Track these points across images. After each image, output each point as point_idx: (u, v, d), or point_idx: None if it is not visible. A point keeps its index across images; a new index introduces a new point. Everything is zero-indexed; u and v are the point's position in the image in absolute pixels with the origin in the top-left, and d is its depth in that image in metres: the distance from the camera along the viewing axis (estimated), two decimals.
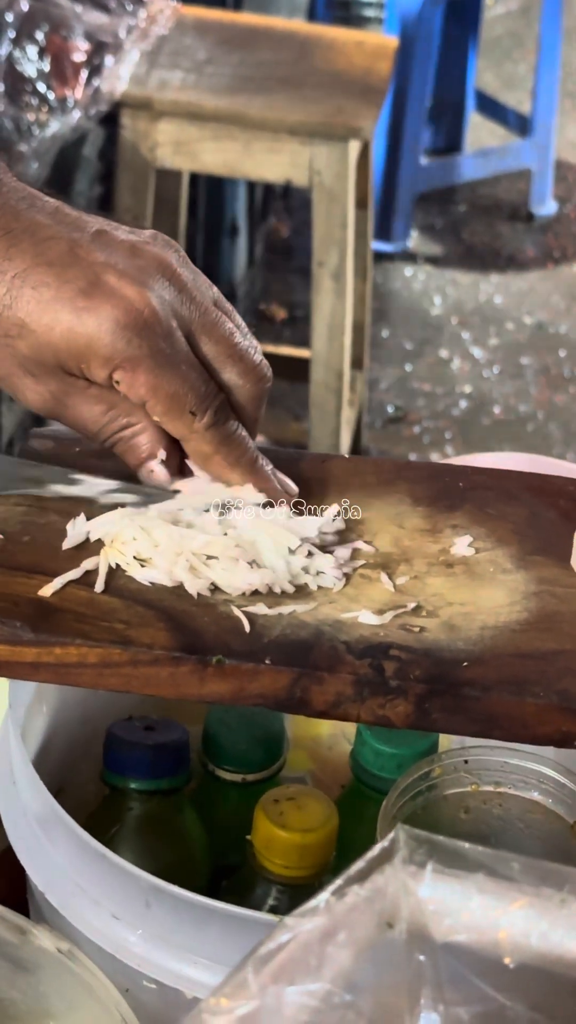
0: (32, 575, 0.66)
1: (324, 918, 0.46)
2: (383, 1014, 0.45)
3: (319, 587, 0.67)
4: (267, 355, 0.73)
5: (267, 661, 0.63)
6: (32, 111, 2.25)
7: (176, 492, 0.70)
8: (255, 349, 0.70)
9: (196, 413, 0.68)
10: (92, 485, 0.70)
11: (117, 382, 0.68)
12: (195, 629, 0.64)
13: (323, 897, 0.46)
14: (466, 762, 0.71)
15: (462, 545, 0.70)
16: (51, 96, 2.27)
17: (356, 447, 2.65)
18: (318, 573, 0.68)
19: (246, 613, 0.65)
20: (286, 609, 0.66)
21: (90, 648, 0.63)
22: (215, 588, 0.67)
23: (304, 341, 2.48)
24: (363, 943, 0.46)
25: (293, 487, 0.71)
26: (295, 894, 0.69)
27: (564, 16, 3.46)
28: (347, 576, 0.68)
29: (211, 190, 2.74)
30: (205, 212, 2.77)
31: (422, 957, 0.47)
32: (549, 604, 0.67)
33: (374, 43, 2.47)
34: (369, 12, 3.44)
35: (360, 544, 0.70)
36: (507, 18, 4.35)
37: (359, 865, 0.48)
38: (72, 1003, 0.62)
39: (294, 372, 2.45)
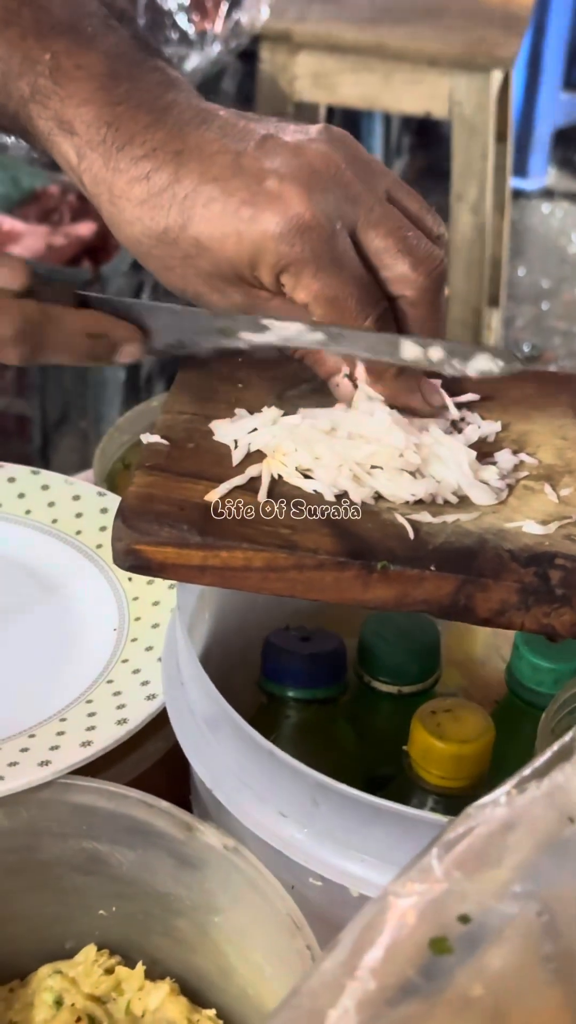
0: (198, 480, 0.66)
1: (505, 810, 0.46)
2: (563, 907, 0.45)
3: (482, 497, 0.67)
4: None
5: (432, 567, 0.62)
6: (172, 45, 2.25)
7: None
8: (424, 240, 0.70)
9: (356, 318, 0.68)
10: (280, 328, 0.69)
11: (283, 285, 0.69)
12: (359, 535, 0.64)
13: (504, 790, 0.46)
14: None
15: None
16: (191, 30, 2.26)
17: None
18: (482, 483, 0.67)
19: (410, 521, 0.65)
20: (450, 517, 0.65)
21: (256, 552, 0.63)
22: (379, 496, 0.66)
23: None
24: (543, 837, 0.46)
25: (438, 400, 0.71)
26: (450, 805, 0.69)
27: None
28: (510, 487, 0.68)
29: (347, 124, 2.72)
30: None
31: None
32: None
33: None
34: None
35: (523, 456, 0.70)
36: None
37: (538, 762, 0.48)
38: (237, 899, 0.63)
39: None
